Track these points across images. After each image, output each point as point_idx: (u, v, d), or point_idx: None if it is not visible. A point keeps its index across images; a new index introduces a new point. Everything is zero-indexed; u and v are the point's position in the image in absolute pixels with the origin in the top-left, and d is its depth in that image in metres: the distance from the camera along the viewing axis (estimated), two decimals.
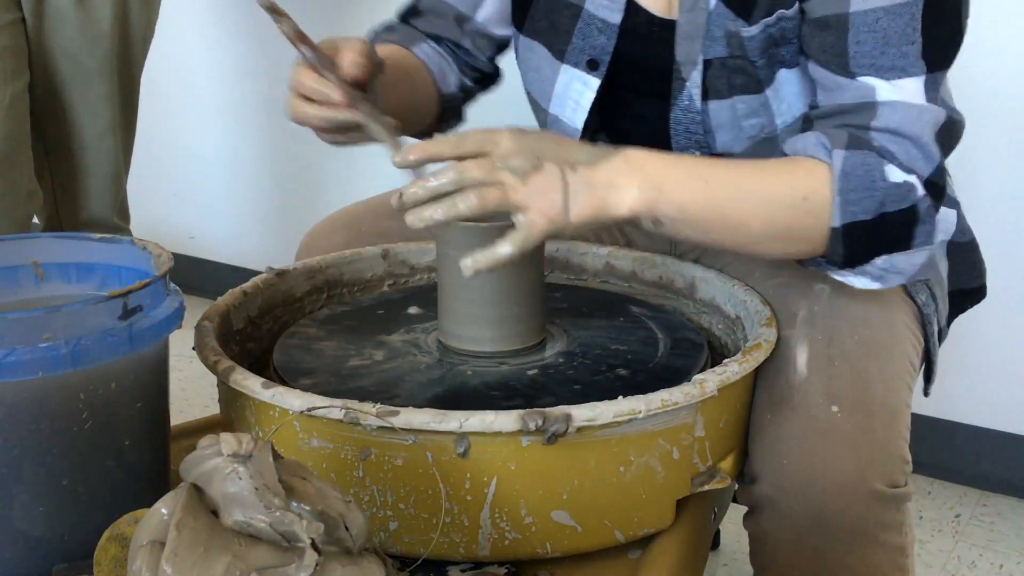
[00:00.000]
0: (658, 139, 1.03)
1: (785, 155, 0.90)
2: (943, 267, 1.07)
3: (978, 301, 1.14)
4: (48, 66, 1.56)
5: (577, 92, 1.05)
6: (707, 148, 1.01)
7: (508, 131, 0.81)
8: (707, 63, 0.96)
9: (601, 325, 0.99)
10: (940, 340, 1.06)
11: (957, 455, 1.84)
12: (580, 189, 0.80)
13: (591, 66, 1.03)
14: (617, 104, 1.07)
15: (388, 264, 1.12)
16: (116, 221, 1.69)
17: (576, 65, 1.04)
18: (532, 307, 0.92)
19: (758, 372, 0.89)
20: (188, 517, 0.58)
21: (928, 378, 1.07)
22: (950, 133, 0.89)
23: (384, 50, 1.03)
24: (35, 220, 1.71)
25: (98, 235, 0.88)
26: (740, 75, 0.96)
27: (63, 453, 0.73)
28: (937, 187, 0.87)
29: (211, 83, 2.50)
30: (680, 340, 0.96)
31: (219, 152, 2.56)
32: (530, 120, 1.14)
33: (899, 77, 0.87)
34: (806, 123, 0.93)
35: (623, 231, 1.16)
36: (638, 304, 1.07)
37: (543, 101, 1.08)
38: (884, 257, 0.87)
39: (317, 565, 0.58)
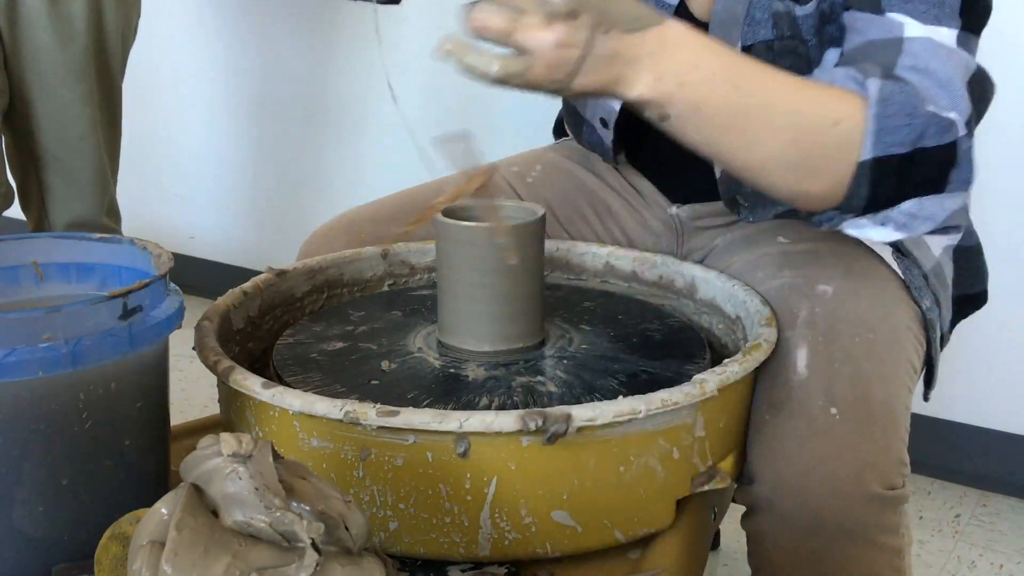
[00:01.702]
0: None
1: None
2: (948, 272, 1.07)
3: (979, 307, 1.14)
4: (23, 67, 1.56)
5: None
6: None
7: None
8: (747, 48, 0.95)
9: (600, 325, 0.99)
10: (942, 345, 1.06)
11: (957, 455, 1.84)
12: (600, 58, 0.71)
13: None
14: None
15: (388, 264, 1.12)
16: (105, 221, 1.69)
17: None
18: (532, 307, 0.92)
19: (758, 372, 0.89)
20: (188, 517, 0.58)
21: (928, 383, 1.07)
22: (982, 86, 0.83)
23: None
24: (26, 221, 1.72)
25: (98, 235, 0.88)
26: (789, 56, 0.94)
27: (63, 453, 0.73)
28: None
29: (211, 83, 2.50)
30: (680, 341, 0.96)
31: (219, 152, 2.56)
32: None
33: (932, 23, 0.82)
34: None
35: (625, 232, 1.16)
36: (638, 304, 1.07)
37: None
38: (913, 201, 0.79)
39: (317, 565, 0.58)
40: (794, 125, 0.77)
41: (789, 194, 0.82)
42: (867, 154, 0.77)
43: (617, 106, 1.06)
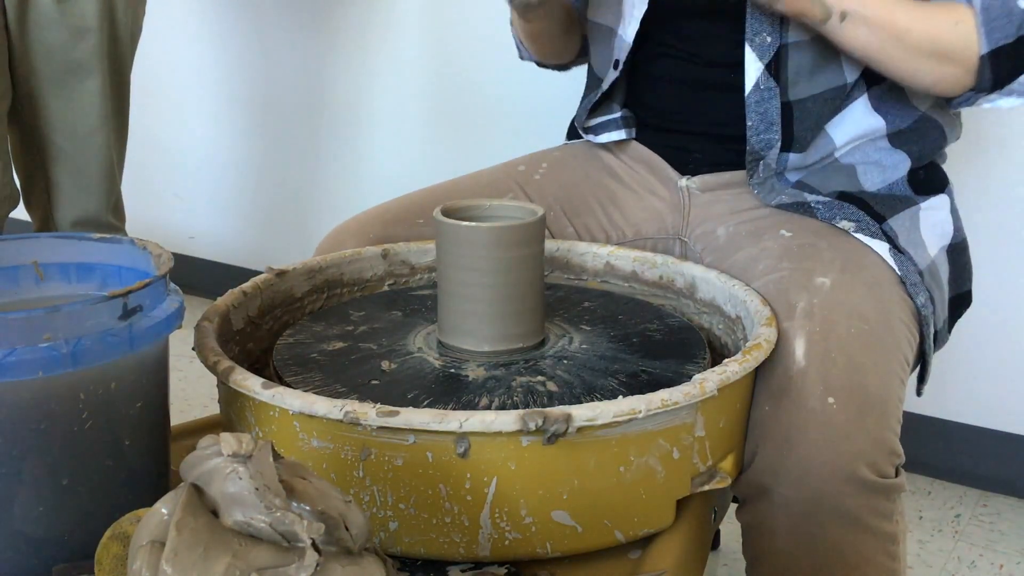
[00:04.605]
0: (731, 50, 1.08)
1: None
2: (944, 273, 1.08)
3: (967, 306, 1.15)
4: (32, 65, 1.56)
5: (630, 4, 1.12)
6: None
7: None
8: None
9: (601, 325, 1.00)
10: (938, 345, 1.07)
11: (957, 455, 1.84)
12: None
13: None
14: (672, 20, 1.13)
15: (388, 264, 1.12)
16: (110, 219, 1.69)
17: None
18: (531, 307, 0.92)
19: None
20: (188, 517, 0.58)
21: (922, 378, 1.08)
22: None
23: None
24: (29, 220, 1.72)
25: (98, 235, 0.88)
26: None
27: (63, 453, 0.73)
28: None
29: (212, 83, 2.50)
30: (680, 341, 0.97)
31: (219, 152, 2.56)
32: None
33: None
34: None
35: (628, 219, 1.17)
36: (638, 304, 1.07)
37: (615, 23, 1.16)
38: None
39: (317, 565, 0.58)
40: (927, 20, 0.99)
41: (933, 79, 1.02)
42: (984, 48, 0.99)
43: (630, 38, 1.13)
